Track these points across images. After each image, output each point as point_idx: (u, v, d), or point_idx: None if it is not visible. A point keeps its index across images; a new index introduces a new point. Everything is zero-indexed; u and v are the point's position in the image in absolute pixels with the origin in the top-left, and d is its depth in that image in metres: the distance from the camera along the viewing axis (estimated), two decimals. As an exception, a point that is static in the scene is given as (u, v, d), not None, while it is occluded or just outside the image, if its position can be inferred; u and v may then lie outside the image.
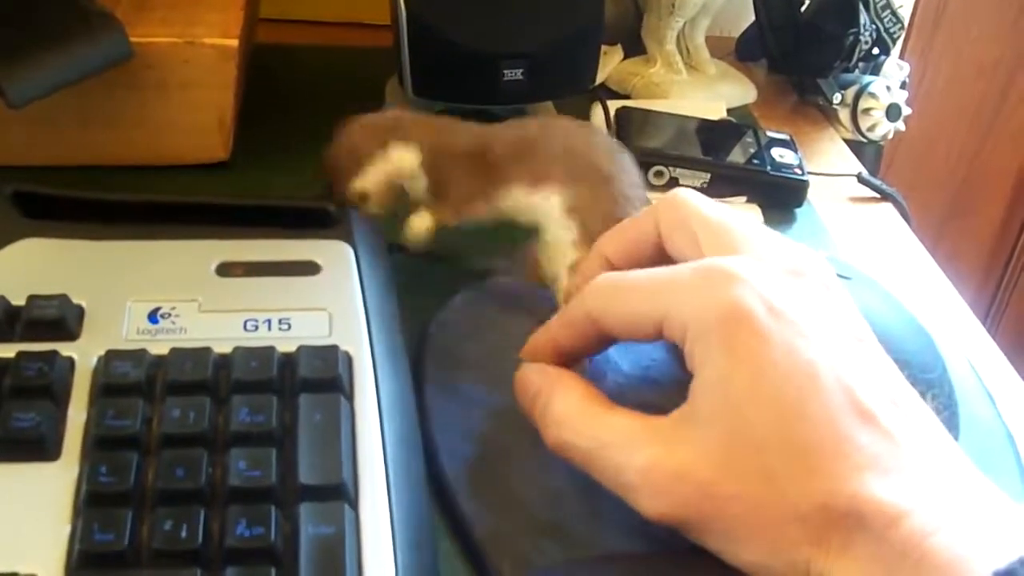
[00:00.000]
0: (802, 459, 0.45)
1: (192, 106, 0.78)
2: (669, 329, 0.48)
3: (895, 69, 1.06)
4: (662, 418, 0.49)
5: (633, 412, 0.50)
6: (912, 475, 0.44)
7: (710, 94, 1.02)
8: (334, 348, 0.52)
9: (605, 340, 0.53)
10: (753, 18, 1.06)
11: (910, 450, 0.45)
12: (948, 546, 0.41)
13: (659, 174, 0.84)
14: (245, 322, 0.54)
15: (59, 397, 0.48)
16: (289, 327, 0.54)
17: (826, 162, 0.97)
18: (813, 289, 0.49)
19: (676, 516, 0.47)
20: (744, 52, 1.13)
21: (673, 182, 0.84)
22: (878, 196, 0.92)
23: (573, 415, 0.51)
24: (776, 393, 0.45)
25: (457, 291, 0.68)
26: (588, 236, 0.60)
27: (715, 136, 0.90)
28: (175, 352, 0.51)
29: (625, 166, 0.63)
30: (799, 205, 0.86)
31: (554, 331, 0.54)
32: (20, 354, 0.49)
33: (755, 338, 0.46)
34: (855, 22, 0.98)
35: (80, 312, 0.53)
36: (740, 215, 0.53)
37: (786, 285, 0.48)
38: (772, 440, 0.45)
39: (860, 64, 1.03)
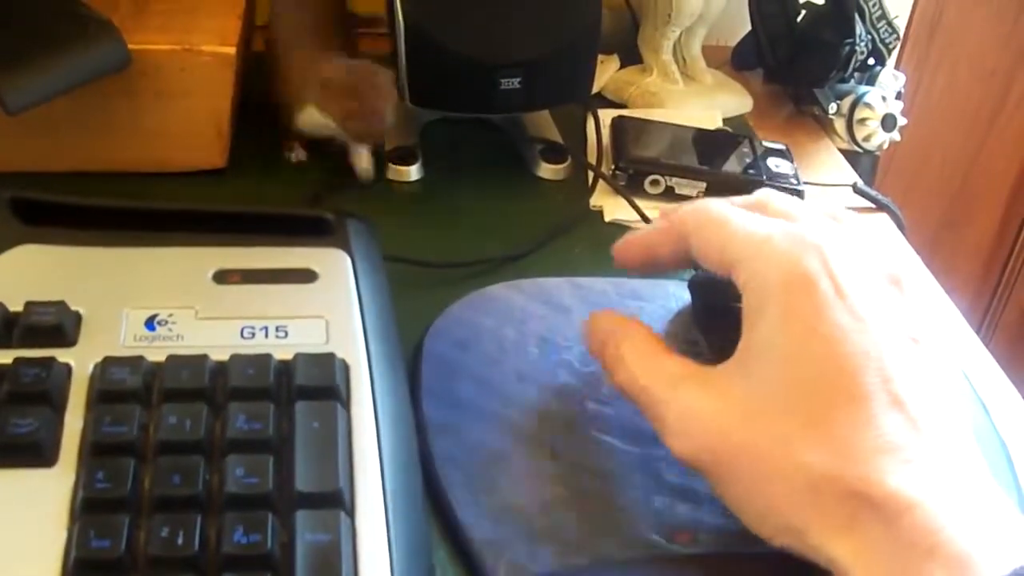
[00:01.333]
0: (823, 430, 0.46)
1: (189, 113, 0.78)
2: (737, 275, 0.52)
3: (890, 79, 1.06)
4: (711, 367, 0.51)
5: (686, 359, 0.53)
6: (926, 467, 0.45)
7: (706, 104, 1.02)
8: (331, 356, 0.52)
9: (685, 260, 0.57)
10: (749, 28, 1.06)
11: (932, 444, 0.46)
12: (958, 540, 0.42)
13: (655, 183, 0.84)
14: (242, 329, 0.54)
15: (56, 403, 0.48)
16: (286, 335, 0.54)
17: (822, 172, 0.97)
18: (889, 281, 0.51)
19: (696, 459, 0.50)
20: (740, 62, 1.13)
21: (669, 191, 0.84)
22: (873, 206, 0.92)
23: (634, 356, 0.54)
24: (815, 363, 0.47)
25: (454, 299, 0.68)
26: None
27: (711, 146, 0.90)
28: (172, 359, 0.51)
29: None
30: (794, 215, 0.86)
31: (651, 235, 0.59)
32: (17, 360, 0.49)
33: (812, 307, 0.48)
34: (851, 32, 0.98)
35: (77, 319, 0.53)
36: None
37: (862, 269, 0.50)
38: (799, 405, 0.47)
39: (856, 74, 1.03)
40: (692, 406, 0.50)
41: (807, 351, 0.48)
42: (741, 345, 0.50)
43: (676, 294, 0.68)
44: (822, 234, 0.51)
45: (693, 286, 0.63)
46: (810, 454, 0.46)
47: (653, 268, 0.60)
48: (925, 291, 0.51)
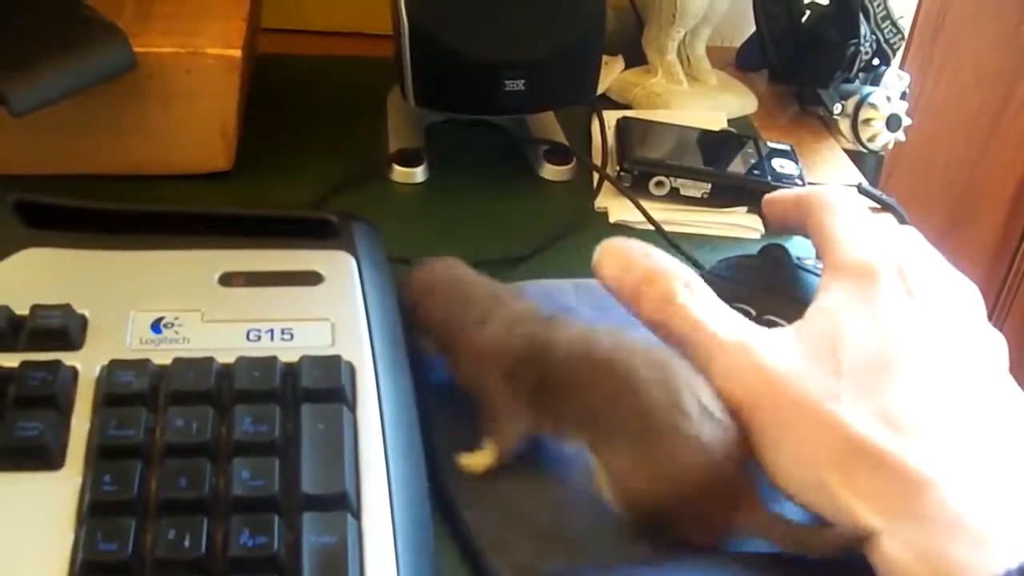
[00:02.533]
0: (871, 396, 0.48)
1: (195, 116, 0.78)
2: (828, 254, 0.56)
3: (895, 79, 1.06)
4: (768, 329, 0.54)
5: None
6: (960, 450, 0.47)
7: (711, 104, 1.02)
8: (337, 358, 0.52)
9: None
10: (754, 28, 1.06)
11: (969, 434, 0.48)
12: (978, 521, 0.44)
13: (660, 184, 0.84)
14: (248, 332, 0.54)
15: (63, 406, 0.48)
16: (292, 337, 0.54)
17: (826, 172, 0.97)
18: (954, 300, 0.54)
19: (736, 402, 0.51)
20: (745, 62, 1.13)
21: (674, 192, 0.84)
22: (878, 206, 0.92)
23: (694, 296, 0.55)
24: (871, 335, 0.50)
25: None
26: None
27: (716, 146, 0.90)
28: (178, 362, 0.51)
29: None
30: (800, 215, 0.86)
31: (789, 199, 0.63)
32: (24, 364, 0.50)
33: (875, 290, 0.52)
34: (855, 32, 0.98)
35: (83, 322, 0.53)
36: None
37: (932, 282, 0.54)
38: (852, 369, 0.49)
39: (860, 74, 1.03)
40: (745, 357, 0.51)
41: (867, 326, 0.51)
42: (807, 313, 0.53)
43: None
44: (908, 252, 0.55)
45: None
46: (852, 414, 0.47)
47: (784, 228, 0.65)
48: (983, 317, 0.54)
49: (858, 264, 0.53)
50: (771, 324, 0.57)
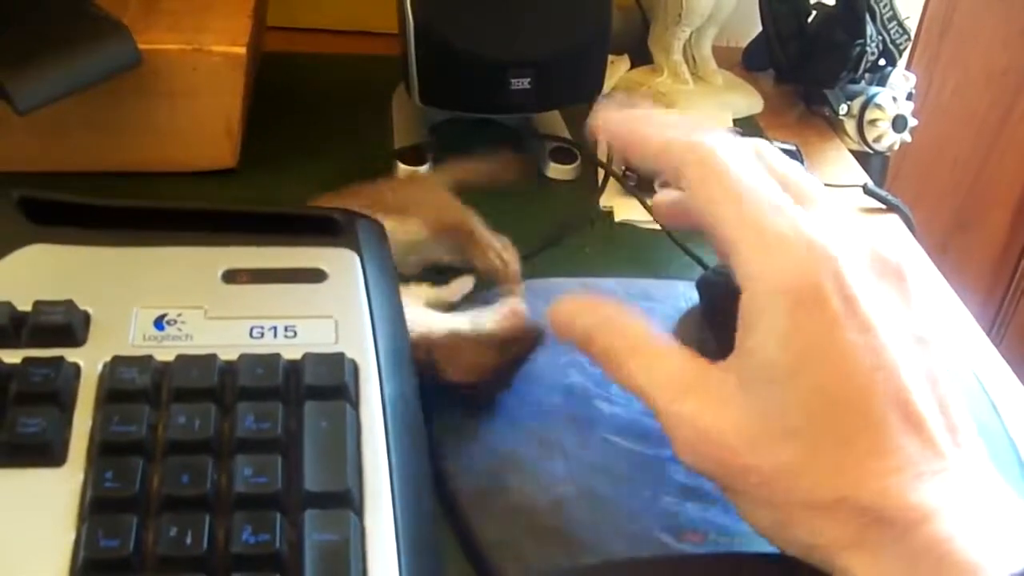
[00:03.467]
0: (833, 453, 0.45)
1: (200, 113, 0.78)
2: (738, 264, 0.48)
3: (901, 80, 1.06)
4: (712, 366, 0.49)
5: (686, 353, 0.50)
6: (942, 481, 0.44)
7: (716, 104, 1.02)
8: (340, 356, 0.52)
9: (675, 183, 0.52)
10: (760, 28, 1.06)
11: (947, 457, 0.45)
12: (965, 552, 0.42)
13: (665, 184, 0.84)
14: (251, 329, 0.54)
15: (65, 403, 0.48)
16: (295, 334, 0.54)
17: (832, 173, 0.97)
18: (892, 281, 0.49)
19: (702, 470, 0.48)
20: (751, 62, 1.13)
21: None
22: (884, 207, 0.92)
23: (630, 353, 0.51)
24: (823, 382, 0.45)
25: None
26: None
27: (721, 146, 0.90)
28: (181, 359, 0.51)
29: None
30: (805, 215, 0.86)
31: (648, 134, 0.53)
32: (26, 360, 0.49)
33: (820, 322, 0.45)
34: (861, 33, 0.98)
35: (86, 318, 0.53)
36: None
37: (868, 274, 0.47)
38: (806, 430, 0.45)
39: (866, 75, 1.03)
40: (695, 418, 0.48)
41: (815, 372, 0.45)
42: (739, 347, 0.47)
43: (686, 294, 0.68)
44: (837, 243, 0.47)
45: (701, 286, 0.63)
46: (818, 478, 0.45)
47: (630, 152, 0.55)
48: (927, 287, 0.50)
49: (783, 278, 0.46)
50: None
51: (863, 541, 0.44)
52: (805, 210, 0.49)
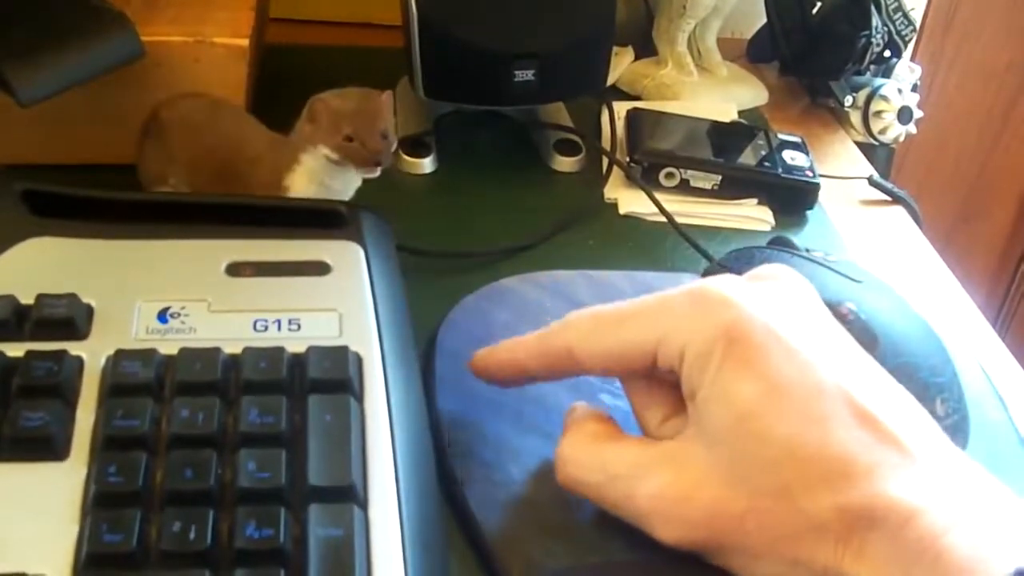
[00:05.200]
0: (813, 468, 0.45)
1: (202, 106, 0.78)
2: (664, 356, 0.50)
3: (906, 72, 1.06)
4: (666, 442, 0.50)
5: (639, 439, 0.52)
6: (920, 473, 0.45)
7: (721, 96, 1.02)
8: (344, 349, 0.52)
9: (575, 374, 0.54)
10: (764, 20, 1.06)
11: (913, 449, 0.45)
12: (964, 544, 0.42)
13: (670, 175, 0.84)
14: (255, 322, 0.54)
15: (68, 397, 0.48)
16: (299, 328, 0.54)
17: (837, 165, 0.96)
18: (787, 294, 0.51)
19: (691, 538, 0.48)
20: (755, 54, 1.13)
21: (684, 184, 0.84)
22: (889, 199, 0.91)
23: (576, 451, 0.52)
24: (781, 405, 0.46)
25: (467, 292, 0.68)
26: None
27: (726, 138, 0.89)
28: (184, 352, 0.51)
29: None
30: (810, 208, 0.86)
31: (521, 356, 0.55)
32: (29, 353, 0.49)
33: (756, 355, 0.47)
34: (867, 24, 0.98)
35: (89, 311, 0.53)
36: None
37: (770, 301, 0.49)
38: (781, 453, 0.46)
39: (871, 66, 1.03)
40: (668, 488, 0.48)
41: (767, 400, 0.46)
42: (697, 412, 0.49)
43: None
44: (717, 283, 0.50)
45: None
46: (814, 496, 0.45)
47: (519, 381, 0.57)
48: (793, 278, 0.51)
49: (704, 340, 0.48)
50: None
51: (862, 550, 0.44)
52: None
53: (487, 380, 0.56)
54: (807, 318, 0.50)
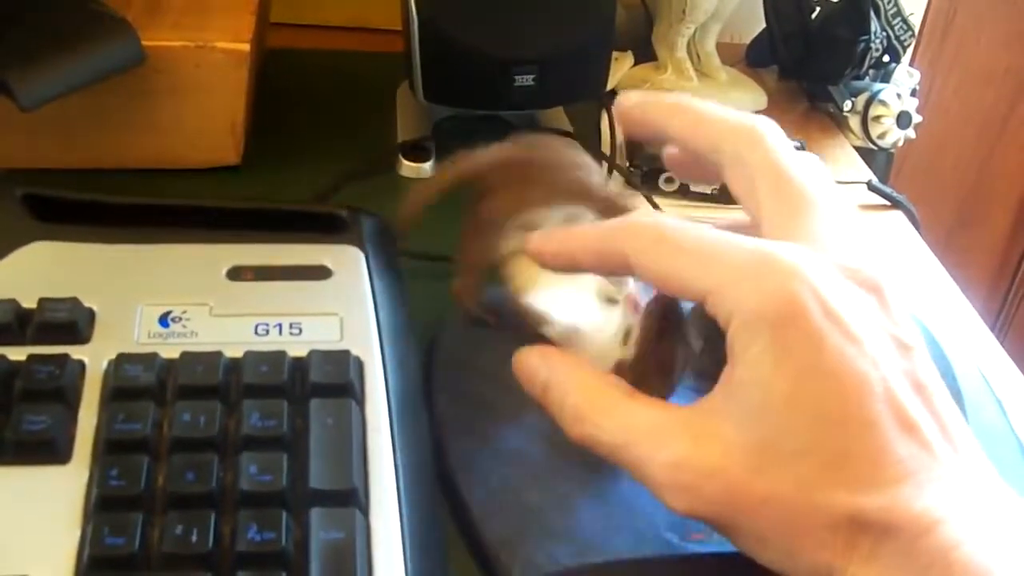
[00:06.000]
0: (839, 468, 0.44)
1: (204, 110, 0.78)
2: (713, 306, 0.46)
3: (905, 76, 1.06)
4: (688, 408, 0.47)
5: (656, 401, 0.49)
6: (945, 487, 0.44)
7: (720, 101, 1.01)
8: (345, 353, 0.52)
9: (628, 275, 0.52)
10: (764, 25, 1.06)
11: (946, 462, 0.44)
12: (975, 557, 0.41)
13: (670, 180, 0.84)
14: (256, 326, 0.54)
15: (70, 400, 0.48)
16: (300, 331, 0.54)
17: (836, 169, 0.96)
18: (868, 290, 0.47)
19: (703, 512, 0.46)
20: (754, 59, 1.13)
21: (684, 189, 0.84)
22: (888, 203, 0.92)
23: (593, 409, 0.49)
24: (821, 399, 0.44)
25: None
26: None
27: (725, 143, 0.89)
28: (186, 356, 0.51)
29: None
30: (809, 212, 0.86)
31: (576, 249, 0.52)
32: (31, 357, 0.50)
33: (807, 340, 0.44)
34: (866, 29, 0.98)
35: (91, 315, 0.53)
36: (813, 169, 0.51)
37: (843, 285, 0.46)
38: (810, 446, 0.44)
39: (870, 71, 1.03)
40: (687, 459, 0.46)
41: (810, 389, 0.44)
42: (725, 382, 0.46)
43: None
44: (798, 253, 0.46)
45: None
46: (831, 494, 0.44)
47: (571, 271, 0.53)
48: (901, 291, 0.48)
49: (763, 308, 0.45)
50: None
51: (874, 556, 0.43)
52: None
53: (540, 264, 0.53)
54: (875, 308, 0.47)
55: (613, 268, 0.51)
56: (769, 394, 0.45)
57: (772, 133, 0.51)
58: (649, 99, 0.55)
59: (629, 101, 0.55)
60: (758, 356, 0.45)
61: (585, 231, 0.52)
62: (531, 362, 0.52)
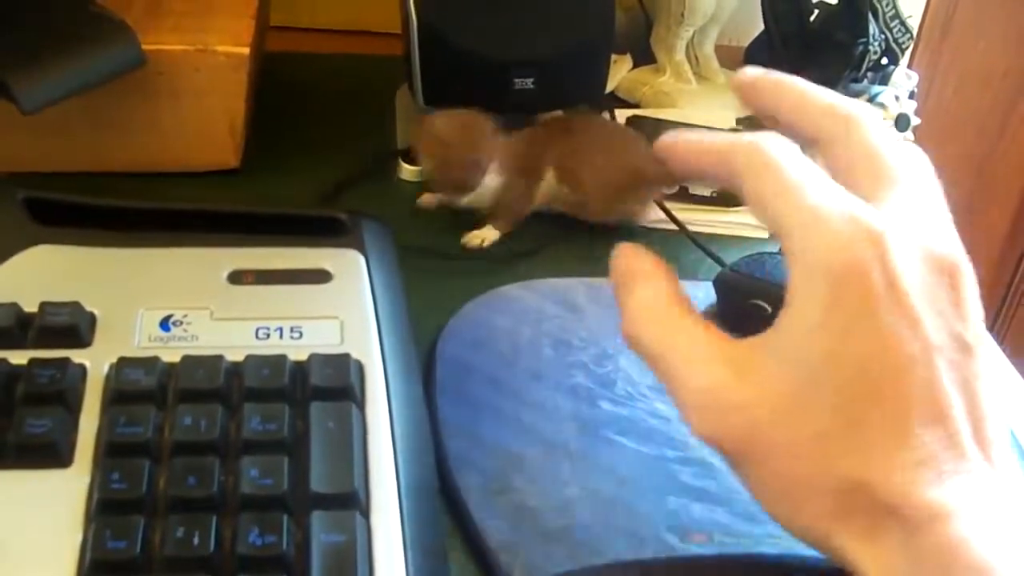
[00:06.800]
0: (858, 434, 0.44)
1: (203, 113, 0.78)
2: (786, 245, 0.47)
3: (903, 79, 1.06)
4: (736, 341, 0.47)
5: (710, 324, 0.49)
6: (963, 483, 0.43)
7: (719, 103, 1.02)
8: (346, 356, 0.52)
9: (735, 188, 0.51)
10: (762, 27, 1.06)
11: (971, 460, 0.44)
12: (979, 557, 0.41)
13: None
14: (257, 330, 0.54)
15: (71, 404, 0.48)
16: (301, 335, 0.54)
17: (835, 172, 0.96)
18: (944, 278, 0.47)
19: (721, 443, 0.46)
20: (753, 61, 1.12)
21: (683, 191, 0.84)
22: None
23: (649, 311, 0.49)
24: (858, 364, 0.44)
25: (468, 299, 0.68)
26: None
27: (725, 145, 0.90)
28: (187, 360, 0.51)
29: None
30: (808, 214, 0.86)
31: (701, 152, 0.52)
32: (33, 361, 0.50)
33: (861, 303, 0.44)
34: (864, 32, 0.98)
35: (92, 319, 0.53)
36: (912, 155, 0.52)
37: (918, 265, 0.46)
38: (837, 406, 0.44)
39: (869, 74, 1.03)
40: (721, 387, 0.46)
41: (851, 351, 0.44)
42: (777, 322, 0.46)
43: (695, 295, 0.67)
44: (888, 227, 0.46)
45: (718, 285, 0.63)
46: (846, 459, 0.44)
47: (693, 175, 0.55)
48: (966, 273, 0.48)
49: (829, 259, 0.45)
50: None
51: (874, 534, 0.43)
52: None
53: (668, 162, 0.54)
54: (944, 298, 0.46)
55: (725, 179, 0.51)
56: (811, 344, 0.45)
57: (871, 119, 0.51)
58: (762, 78, 0.56)
59: (745, 78, 0.56)
60: (811, 304, 0.45)
61: (712, 139, 0.52)
62: (625, 254, 0.52)
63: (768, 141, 0.49)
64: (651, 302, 0.50)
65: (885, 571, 0.43)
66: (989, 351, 0.47)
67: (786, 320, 0.46)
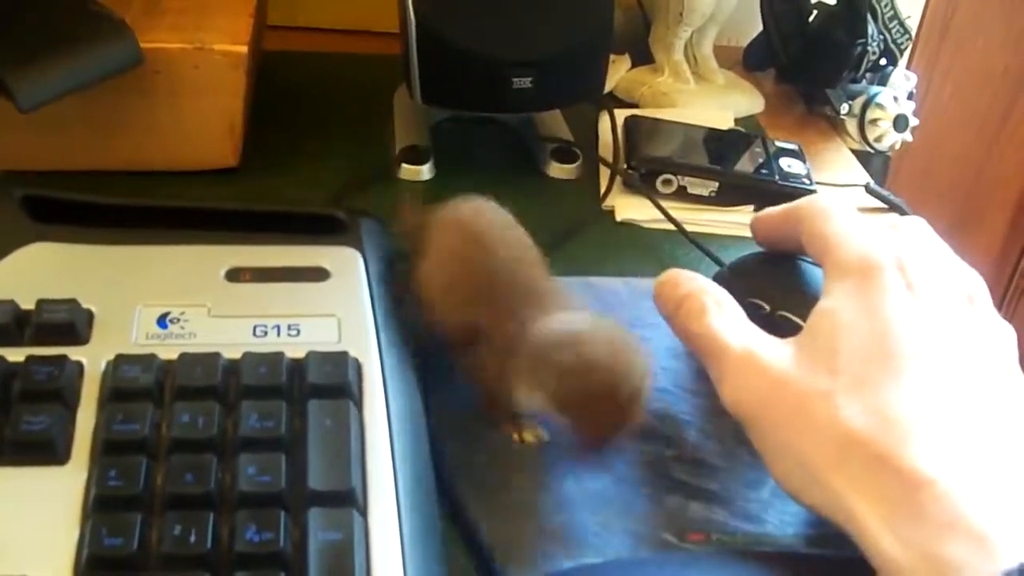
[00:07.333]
0: (865, 392, 0.48)
1: (202, 112, 0.78)
2: (831, 255, 0.55)
3: (902, 80, 1.06)
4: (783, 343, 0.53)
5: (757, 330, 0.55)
6: (958, 449, 0.46)
7: (718, 103, 1.02)
8: (343, 354, 0.52)
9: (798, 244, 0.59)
10: (761, 28, 1.06)
11: (966, 426, 0.48)
12: (977, 521, 0.44)
13: (667, 182, 0.84)
14: (254, 327, 0.54)
15: (68, 401, 0.48)
16: (298, 333, 0.54)
17: (834, 172, 0.96)
18: (958, 299, 0.54)
19: (745, 407, 0.52)
20: (752, 62, 1.13)
21: (681, 191, 0.84)
22: (885, 206, 0.92)
23: (719, 308, 0.56)
24: (871, 333, 0.50)
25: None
26: None
27: (723, 145, 0.90)
28: (184, 357, 0.51)
29: None
30: (807, 215, 0.86)
31: (777, 214, 0.62)
32: (30, 358, 0.50)
33: (879, 290, 0.52)
34: (863, 32, 0.98)
35: (89, 317, 0.53)
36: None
37: (937, 282, 0.53)
38: (849, 368, 0.49)
39: (867, 74, 1.03)
40: (754, 358, 0.52)
41: (866, 322, 0.50)
42: (809, 320, 0.53)
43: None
44: (910, 246, 0.54)
45: (718, 282, 0.63)
46: (848, 411, 0.48)
47: (775, 245, 0.63)
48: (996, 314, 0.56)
49: (857, 261, 0.53)
50: (784, 320, 0.57)
51: (875, 489, 0.46)
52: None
53: (759, 242, 0.64)
54: (954, 296, 0.54)
55: (794, 227, 0.59)
56: (832, 320, 0.52)
57: (838, 209, 0.58)
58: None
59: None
60: (837, 294, 0.53)
61: (782, 209, 0.62)
62: (685, 280, 0.59)
63: (824, 197, 0.59)
64: (721, 305, 0.56)
65: (885, 526, 0.45)
66: (999, 352, 0.53)
67: (815, 311, 0.53)
